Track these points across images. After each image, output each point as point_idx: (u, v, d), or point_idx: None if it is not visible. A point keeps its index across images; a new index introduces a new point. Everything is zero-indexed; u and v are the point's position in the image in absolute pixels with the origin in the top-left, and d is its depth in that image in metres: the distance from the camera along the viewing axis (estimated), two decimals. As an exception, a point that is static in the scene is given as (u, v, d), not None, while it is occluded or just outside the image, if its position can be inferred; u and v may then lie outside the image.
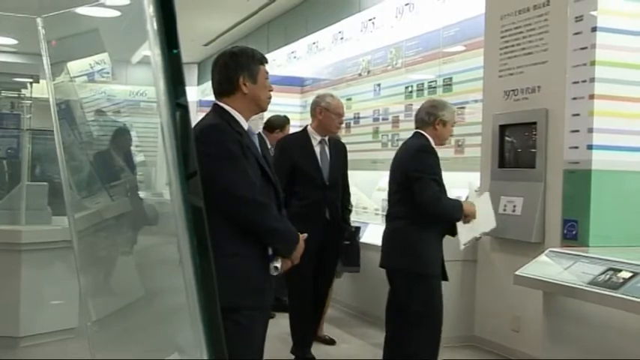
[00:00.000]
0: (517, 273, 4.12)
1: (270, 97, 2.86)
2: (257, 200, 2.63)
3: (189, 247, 1.24)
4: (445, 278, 4.08)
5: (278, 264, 2.70)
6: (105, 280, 3.59)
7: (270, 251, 2.68)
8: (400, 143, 7.24)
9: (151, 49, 1.23)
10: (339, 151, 4.79)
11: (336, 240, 4.76)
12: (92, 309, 2.71)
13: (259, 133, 6.05)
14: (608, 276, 3.58)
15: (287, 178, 4.41)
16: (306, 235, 2.92)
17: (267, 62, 2.88)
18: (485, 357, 5.10)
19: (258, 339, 2.70)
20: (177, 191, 1.26)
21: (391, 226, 4.01)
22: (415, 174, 3.81)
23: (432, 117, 3.95)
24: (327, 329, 5.53)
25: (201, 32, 11.54)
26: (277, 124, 6.35)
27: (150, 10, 1.22)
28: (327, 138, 4.69)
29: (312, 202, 4.53)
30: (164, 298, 2.54)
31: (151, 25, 1.22)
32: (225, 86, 2.75)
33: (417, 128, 4.02)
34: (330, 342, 5.34)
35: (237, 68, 2.73)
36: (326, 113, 4.61)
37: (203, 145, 2.46)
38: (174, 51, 1.26)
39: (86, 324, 2.64)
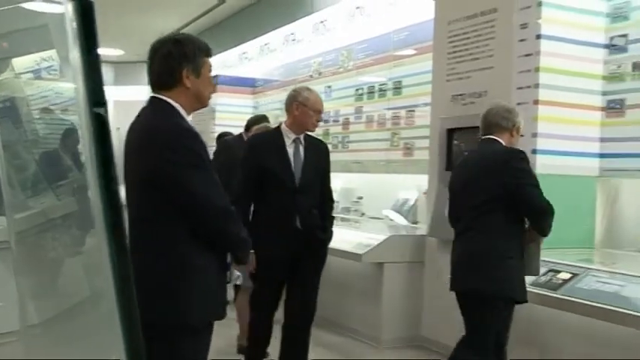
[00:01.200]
0: (462, 274, 4.19)
1: (213, 93, 2.63)
2: (230, 210, 2.51)
3: (108, 253, 1.23)
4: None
5: (239, 272, 2.66)
6: (47, 282, 3.52)
7: (228, 259, 2.58)
8: (350, 145, 7.39)
9: (70, 52, 1.20)
10: (317, 152, 4.22)
11: (314, 251, 4.13)
12: (32, 311, 2.64)
13: (240, 134, 5.93)
14: (548, 277, 3.68)
15: (255, 181, 4.03)
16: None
17: (211, 55, 2.61)
18: (432, 357, 5.15)
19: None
20: (96, 195, 1.24)
21: (479, 242, 3.39)
22: (519, 181, 3.33)
23: (510, 122, 3.55)
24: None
25: (152, 31, 11.34)
26: (251, 121, 6.06)
27: (69, 9, 1.19)
28: (302, 137, 4.15)
29: (279, 208, 4.02)
30: (91, 302, 2.49)
31: (70, 25, 1.19)
32: (165, 78, 2.46)
33: (487, 134, 3.56)
34: None
35: (181, 59, 2.45)
36: (303, 109, 4.07)
37: (169, 152, 2.33)
38: (93, 53, 1.23)
39: (24, 327, 2.57)
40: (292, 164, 4.05)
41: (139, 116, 2.51)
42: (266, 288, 4.08)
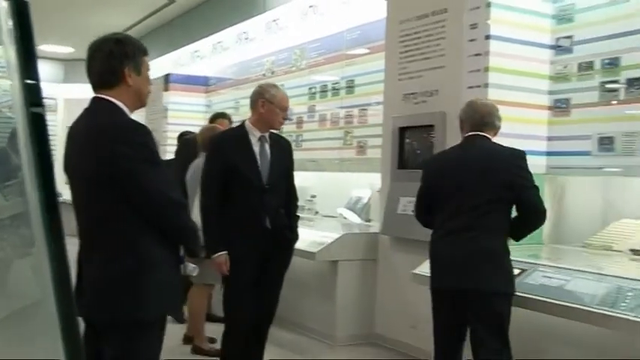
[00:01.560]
0: (415, 271, 4.25)
1: (150, 92, 2.66)
2: (184, 203, 2.60)
3: (46, 251, 1.22)
4: None
5: (194, 265, 2.68)
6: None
7: (181, 253, 2.62)
8: (304, 144, 7.41)
9: (5, 50, 1.19)
10: (282, 150, 4.13)
11: (283, 251, 4.11)
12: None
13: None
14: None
15: (221, 180, 3.90)
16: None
17: (148, 54, 2.64)
18: (385, 354, 5.21)
19: None
20: (33, 195, 1.23)
21: (482, 241, 3.29)
22: (524, 182, 3.31)
23: (499, 122, 3.54)
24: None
25: (103, 29, 11.14)
26: (211, 118, 6.09)
27: (4, 5, 1.18)
28: (267, 135, 4.05)
29: (248, 209, 3.92)
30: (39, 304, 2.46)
31: (6, 22, 1.18)
32: (107, 77, 2.49)
33: (480, 131, 3.47)
34: None
35: (122, 58, 2.49)
36: (269, 106, 3.96)
37: (124, 147, 2.36)
38: (30, 53, 1.22)
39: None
40: (259, 163, 3.96)
41: (81, 116, 2.54)
42: (239, 289, 3.94)
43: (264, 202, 3.92)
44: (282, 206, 4.07)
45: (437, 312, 3.50)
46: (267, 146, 4.01)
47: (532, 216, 3.37)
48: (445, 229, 3.39)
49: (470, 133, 3.48)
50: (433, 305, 3.51)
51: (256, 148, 3.98)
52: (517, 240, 3.50)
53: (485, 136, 3.45)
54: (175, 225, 2.52)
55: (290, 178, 4.21)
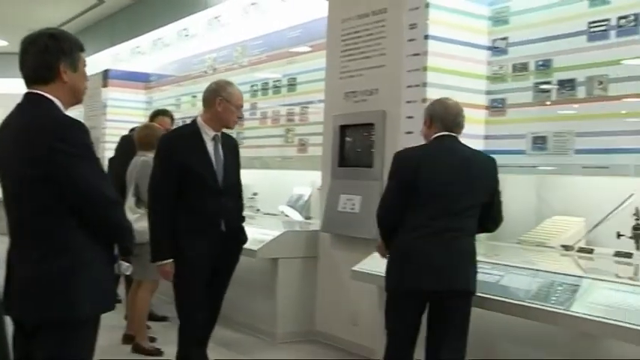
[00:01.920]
0: (354, 269, 4.29)
1: (86, 88, 2.59)
2: (118, 201, 2.56)
3: None
4: None
5: (128, 263, 2.65)
6: None
7: (115, 251, 2.59)
8: (245, 141, 7.38)
9: None
10: (231, 150, 3.99)
11: (233, 252, 4.06)
12: None
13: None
14: (436, 269, 3.80)
15: (174, 182, 3.72)
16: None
17: (84, 50, 2.59)
18: (326, 351, 5.24)
19: None
20: None
21: (464, 244, 3.32)
22: (498, 189, 3.44)
23: (464, 123, 3.51)
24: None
25: (42, 22, 10.92)
26: (151, 115, 5.99)
27: None
28: (219, 134, 3.92)
29: (204, 212, 3.77)
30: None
31: None
32: (41, 72, 2.43)
33: (451, 131, 3.42)
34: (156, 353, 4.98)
35: (58, 53, 2.44)
36: (226, 105, 3.83)
37: (60, 143, 2.32)
38: None
39: None
40: (214, 163, 3.81)
41: (14, 112, 2.48)
42: (194, 293, 3.80)
43: (220, 204, 3.81)
44: (235, 208, 4.01)
45: (402, 313, 3.38)
46: (219, 146, 3.88)
47: (498, 222, 3.51)
48: (428, 229, 3.26)
49: (442, 133, 3.41)
50: (397, 306, 3.39)
51: (210, 148, 3.83)
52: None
53: (455, 136, 3.43)
54: (110, 223, 2.49)
55: (239, 178, 4.11)
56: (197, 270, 3.78)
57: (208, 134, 3.84)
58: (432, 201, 3.28)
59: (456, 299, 3.28)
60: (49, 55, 2.44)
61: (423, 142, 4.53)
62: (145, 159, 4.99)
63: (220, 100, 3.84)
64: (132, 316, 5.19)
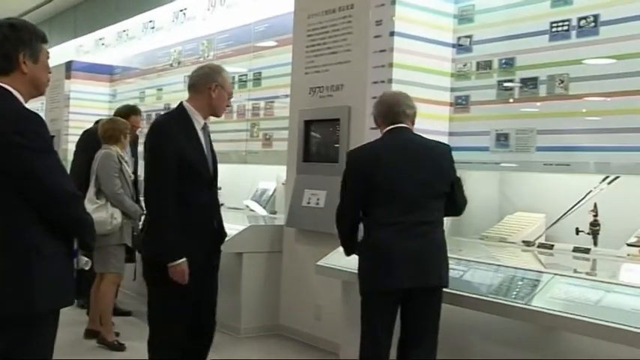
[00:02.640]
0: (318, 263, 4.31)
1: (49, 80, 2.55)
2: (77, 194, 2.52)
3: None
4: None
5: (87, 258, 2.62)
6: None
7: (75, 246, 2.55)
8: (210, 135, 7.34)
9: None
10: (209, 139, 3.61)
11: (219, 250, 3.77)
12: None
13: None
14: (399, 264, 3.84)
15: (176, 175, 3.30)
16: None
17: (47, 41, 2.53)
18: (290, 345, 5.25)
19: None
20: None
21: (436, 237, 3.30)
22: (456, 177, 3.41)
23: (413, 110, 3.47)
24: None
25: (3, 11, 10.81)
26: (122, 112, 5.76)
27: None
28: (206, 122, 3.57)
29: (200, 207, 3.43)
30: None
31: None
32: (0, 63, 2.39)
33: (398, 123, 3.39)
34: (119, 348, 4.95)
35: (17, 44, 2.39)
36: (220, 92, 3.48)
37: (18, 137, 2.27)
38: None
39: None
40: (206, 154, 3.48)
41: None
42: (186, 296, 3.37)
43: (213, 198, 3.59)
44: (218, 202, 3.74)
45: (380, 313, 3.28)
46: (207, 136, 3.55)
47: (459, 209, 3.48)
48: (400, 225, 3.20)
49: (391, 127, 3.39)
50: (377, 308, 3.29)
51: (201, 137, 3.47)
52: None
53: (405, 127, 3.38)
54: (71, 218, 2.46)
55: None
56: (192, 273, 3.34)
57: (199, 122, 3.45)
58: (395, 195, 3.23)
59: (430, 295, 3.26)
60: (7, 46, 2.39)
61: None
62: (107, 151, 5.03)
63: (215, 86, 3.48)
64: (95, 311, 5.13)
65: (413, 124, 3.47)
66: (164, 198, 3.29)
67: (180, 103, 3.51)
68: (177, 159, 3.29)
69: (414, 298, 3.25)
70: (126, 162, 5.12)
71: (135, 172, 5.48)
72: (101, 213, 4.81)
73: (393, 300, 3.27)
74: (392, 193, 3.24)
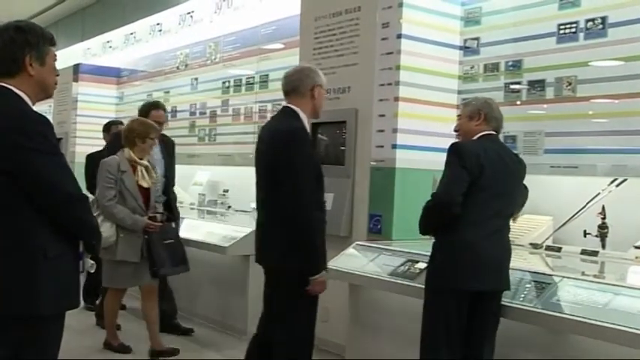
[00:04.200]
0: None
1: (56, 83, 2.55)
2: (83, 197, 2.51)
3: None
4: None
5: (92, 261, 2.63)
6: None
7: (81, 248, 2.56)
8: (217, 138, 7.36)
9: None
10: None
11: None
12: None
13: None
14: (406, 267, 3.85)
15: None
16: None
17: (55, 44, 2.55)
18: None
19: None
20: None
21: (509, 243, 3.32)
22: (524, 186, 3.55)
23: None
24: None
25: (11, 14, 10.84)
26: (142, 111, 5.36)
27: None
28: None
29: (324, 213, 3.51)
30: None
31: None
32: (7, 65, 2.39)
33: (496, 130, 3.39)
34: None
35: (24, 46, 2.40)
36: (320, 92, 3.47)
37: (24, 138, 2.29)
38: None
39: None
40: None
41: None
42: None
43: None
44: None
45: (455, 315, 3.19)
46: None
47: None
48: (489, 227, 3.18)
49: (488, 132, 3.32)
50: (448, 309, 3.19)
51: None
52: None
53: (497, 136, 3.38)
54: (75, 219, 2.46)
55: None
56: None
57: (307, 125, 3.41)
58: (492, 199, 3.17)
59: (496, 299, 3.23)
60: (14, 48, 2.40)
61: (391, 140, 4.60)
62: (107, 158, 4.65)
63: (318, 88, 3.44)
64: (151, 329, 4.75)
65: None
66: (314, 208, 3.26)
67: (289, 107, 3.41)
68: (317, 165, 3.33)
69: (481, 300, 3.19)
70: (146, 167, 4.66)
71: (167, 174, 5.24)
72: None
73: (465, 301, 3.18)
74: (489, 195, 3.17)
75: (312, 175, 3.26)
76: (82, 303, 5.76)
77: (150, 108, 5.31)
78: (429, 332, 3.24)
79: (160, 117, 5.25)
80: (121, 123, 6.37)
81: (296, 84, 3.42)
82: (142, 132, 4.62)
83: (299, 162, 3.22)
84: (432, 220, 3.28)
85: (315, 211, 3.25)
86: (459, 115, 3.55)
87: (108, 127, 6.31)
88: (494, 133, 3.34)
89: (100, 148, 6.22)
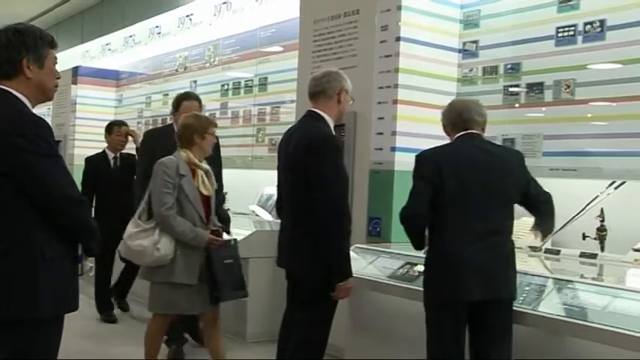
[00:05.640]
0: (324, 268, 4.29)
1: (57, 86, 2.53)
2: (82, 199, 2.50)
3: None
4: None
5: (91, 264, 2.62)
6: None
7: (79, 251, 2.55)
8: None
9: None
10: None
11: None
12: None
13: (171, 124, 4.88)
14: (405, 270, 3.85)
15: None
16: None
17: (56, 46, 2.52)
18: (295, 350, 5.24)
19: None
20: None
21: (506, 248, 3.16)
22: (529, 178, 3.31)
23: (480, 117, 3.35)
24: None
25: (10, 17, 10.86)
26: (173, 104, 4.90)
27: None
28: None
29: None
30: None
31: None
32: (4, 67, 2.38)
33: (471, 129, 3.29)
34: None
35: (21, 48, 2.39)
36: (346, 97, 3.51)
37: (23, 141, 2.28)
38: None
39: None
40: None
41: None
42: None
43: None
44: None
45: (449, 329, 3.12)
46: None
47: (546, 208, 3.30)
48: (472, 234, 3.06)
49: (461, 134, 3.27)
50: (443, 321, 3.12)
51: None
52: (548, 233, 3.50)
53: (475, 133, 3.25)
54: (73, 222, 2.45)
55: None
56: None
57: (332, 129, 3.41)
58: (464, 201, 3.08)
59: (499, 310, 3.10)
60: (11, 50, 2.39)
61: (390, 143, 4.60)
62: (163, 159, 3.89)
63: (344, 93, 3.46)
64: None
65: (483, 131, 3.33)
66: (344, 216, 3.27)
67: (314, 112, 3.42)
68: (345, 172, 3.34)
69: (484, 310, 3.09)
70: (206, 171, 3.97)
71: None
72: (141, 240, 3.78)
73: (462, 312, 3.10)
74: (461, 199, 3.09)
75: (341, 182, 3.28)
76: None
77: (181, 99, 4.80)
78: (428, 348, 3.20)
79: (193, 108, 4.62)
80: (124, 123, 6.31)
81: (325, 86, 3.41)
82: (199, 126, 3.92)
83: (330, 169, 3.23)
84: (409, 235, 3.24)
85: (345, 218, 3.27)
86: None
87: (110, 128, 6.19)
88: (465, 133, 3.24)
89: (99, 150, 6.24)
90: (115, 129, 6.11)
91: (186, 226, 3.76)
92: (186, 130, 3.91)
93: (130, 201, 4.60)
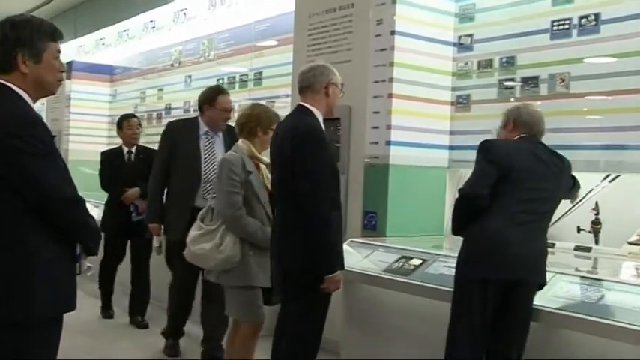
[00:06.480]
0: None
1: (60, 80, 2.45)
2: (79, 198, 2.45)
3: None
4: None
5: (90, 263, 2.60)
6: None
7: (78, 250, 2.51)
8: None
9: None
10: None
11: None
12: None
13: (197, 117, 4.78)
14: (401, 263, 3.86)
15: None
16: None
17: (60, 38, 2.42)
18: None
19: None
20: None
21: (544, 242, 3.22)
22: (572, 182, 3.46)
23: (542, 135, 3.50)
24: None
25: (3, 11, 10.81)
26: (206, 98, 4.72)
27: None
28: None
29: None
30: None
31: None
32: (1, 62, 2.33)
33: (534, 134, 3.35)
34: None
35: (15, 43, 2.32)
36: (335, 90, 3.44)
37: (18, 141, 2.23)
38: None
39: None
40: None
41: None
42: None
43: None
44: None
45: (478, 306, 3.10)
46: None
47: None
48: (517, 220, 3.10)
49: (523, 135, 3.32)
50: (471, 299, 3.10)
51: None
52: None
53: (538, 138, 3.34)
54: (70, 222, 2.41)
55: None
56: None
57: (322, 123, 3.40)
58: (523, 195, 3.13)
59: (529, 294, 3.12)
60: (5, 45, 2.33)
61: (385, 137, 4.60)
62: (227, 155, 3.81)
63: (332, 85, 3.40)
64: None
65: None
66: (330, 207, 3.24)
67: (303, 105, 3.39)
68: (333, 164, 3.35)
69: (516, 293, 3.09)
70: (267, 165, 3.74)
71: None
72: (204, 244, 3.65)
73: (495, 291, 3.08)
74: (518, 190, 3.13)
75: (328, 174, 3.26)
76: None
77: (217, 93, 4.68)
78: (452, 324, 3.18)
79: (228, 104, 4.71)
80: (133, 116, 6.21)
81: (310, 80, 3.38)
82: (265, 119, 3.78)
83: (315, 162, 3.22)
84: (460, 214, 3.24)
85: (331, 209, 3.24)
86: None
87: (120, 124, 6.03)
88: (534, 136, 3.31)
89: (116, 146, 6.18)
90: (124, 123, 5.97)
91: (257, 226, 3.65)
92: (250, 120, 3.78)
93: (145, 197, 4.57)
